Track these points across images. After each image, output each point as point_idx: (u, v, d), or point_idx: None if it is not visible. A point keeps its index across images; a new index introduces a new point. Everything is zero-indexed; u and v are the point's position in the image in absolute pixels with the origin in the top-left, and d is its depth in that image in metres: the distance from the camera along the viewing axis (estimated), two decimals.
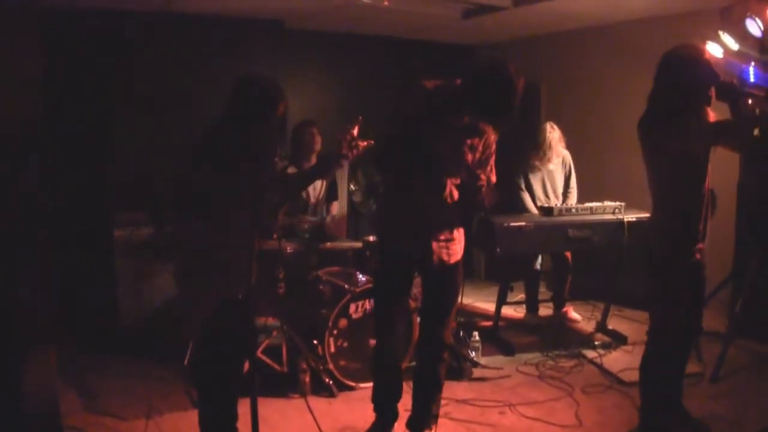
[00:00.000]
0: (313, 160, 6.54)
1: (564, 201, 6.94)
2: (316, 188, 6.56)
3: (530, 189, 6.95)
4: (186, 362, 5.49)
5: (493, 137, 4.18)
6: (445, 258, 4.29)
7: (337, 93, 8.74)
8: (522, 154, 6.99)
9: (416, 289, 5.99)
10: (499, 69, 3.80)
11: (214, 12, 7.25)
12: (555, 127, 6.87)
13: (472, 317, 7.37)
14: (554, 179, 6.98)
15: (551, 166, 6.93)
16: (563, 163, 7.01)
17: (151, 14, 7.01)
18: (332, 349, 5.22)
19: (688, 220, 4.14)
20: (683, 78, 4.03)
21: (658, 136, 4.08)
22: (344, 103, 8.70)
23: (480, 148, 4.14)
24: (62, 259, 5.83)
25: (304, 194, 6.48)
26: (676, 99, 4.03)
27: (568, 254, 6.93)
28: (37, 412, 4.12)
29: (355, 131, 3.96)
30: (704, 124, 4.03)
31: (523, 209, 6.81)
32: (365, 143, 3.99)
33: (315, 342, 5.26)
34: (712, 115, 4.08)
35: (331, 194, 6.71)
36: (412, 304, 5.48)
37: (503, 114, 3.85)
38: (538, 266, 7.26)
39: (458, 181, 4.15)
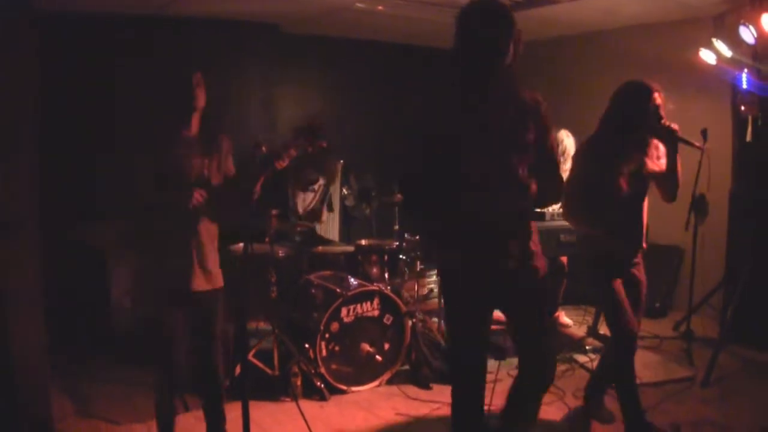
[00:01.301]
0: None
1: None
2: (306, 200, 6.56)
3: None
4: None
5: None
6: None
7: (333, 97, 8.75)
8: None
9: (407, 293, 6.02)
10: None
11: (209, 16, 7.25)
12: (570, 134, 6.78)
13: None
14: None
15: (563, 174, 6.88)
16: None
17: (146, 18, 7.00)
18: (324, 353, 5.22)
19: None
20: (621, 108, 4.19)
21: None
22: (339, 107, 8.73)
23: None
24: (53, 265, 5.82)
25: (298, 203, 6.49)
26: (609, 125, 4.21)
27: (564, 259, 6.92)
28: (30, 418, 4.13)
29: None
30: (585, 166, 4.23)
31: None
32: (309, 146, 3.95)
33: (306, 346, 5.25)
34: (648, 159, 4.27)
35: (328, 205, 6.74)
36: (403, 308, 5.50)
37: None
38: None
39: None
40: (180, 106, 3.94)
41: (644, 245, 4.52)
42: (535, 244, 3.44)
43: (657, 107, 4.13)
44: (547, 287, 3.72)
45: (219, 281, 4.10)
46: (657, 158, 4.32)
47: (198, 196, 3.80)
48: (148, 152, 3.89)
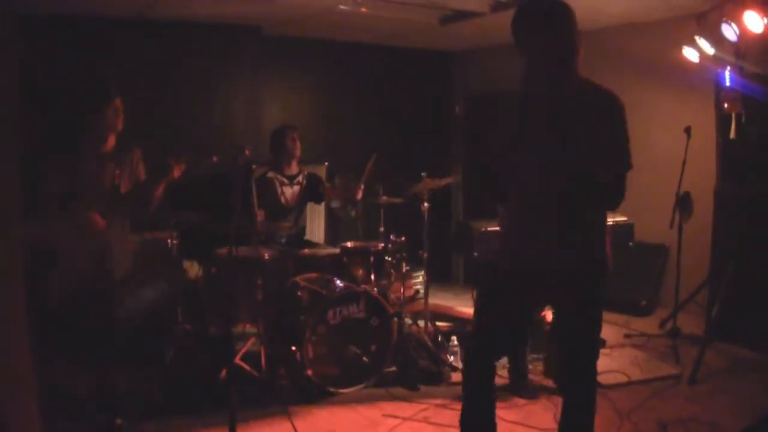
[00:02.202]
0: (294, 165, 6.55)
1: None
2: (294, 192, 6.56)
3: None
4: (165, 369, 5.46)
5: None
6: None
7: (315, 99, 8.77)
8: None
9: (393, 295, 6.01)
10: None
11: (192, 18, 7.23)
12: None
13: (450, 321, 7.37)
14: None
15: None
16: None
17: (129, 21, 6.99)
18: (311, 355, 5.20)
19: None
20: None
21: None
22: (322, 109, 8.73)
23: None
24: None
25: (282, 199, 6.48)
26: None
27: None
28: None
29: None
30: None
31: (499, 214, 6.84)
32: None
33: (293, 348, 5.23)
34: None
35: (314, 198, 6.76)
36: (390, 309, 5.49)
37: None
38: None
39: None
40: (100, 126, 4.56)
41: None
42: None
43: None
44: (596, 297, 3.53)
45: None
46: None
47: (97, 221, 4.48)
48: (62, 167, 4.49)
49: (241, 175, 4.31)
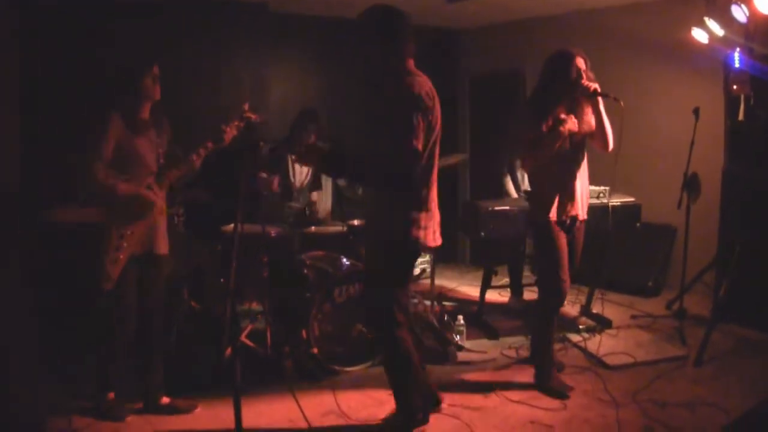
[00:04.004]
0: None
1: None
2: (302, 173, 6.54)
3: (516, 175, 6.93)
4: (169, 347, 5.47)
5: None
6: None
7: (321, 77, 8.71)
8: (511, 139, 6.99)
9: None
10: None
11: None
12: None
13: (456, 301, 7.38)
14: None
15: None
16: None
17: (130, 2, 6.94)
18: (316, 334, 5.20)
19: None
20: (549, 72, 4.82)
21: None
22: (328, 87, 8.68)
23: None
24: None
25: (291, 177, 6.46)
26: (541, 89, 4.86)
27: None
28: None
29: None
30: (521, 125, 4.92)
31: (505, 194, 6.82)
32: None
33: (299, 326, 5.24)
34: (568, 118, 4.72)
35: (315, 184, 6.69)
36: None
37: None
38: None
39: None
40: (137, 96, 4.38)
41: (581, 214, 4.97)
42: None
43: (578, 69, 4.70)
44: None
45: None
46: (586, 120, 4.86)
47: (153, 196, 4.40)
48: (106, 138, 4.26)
49: (249, 150, 4.31)
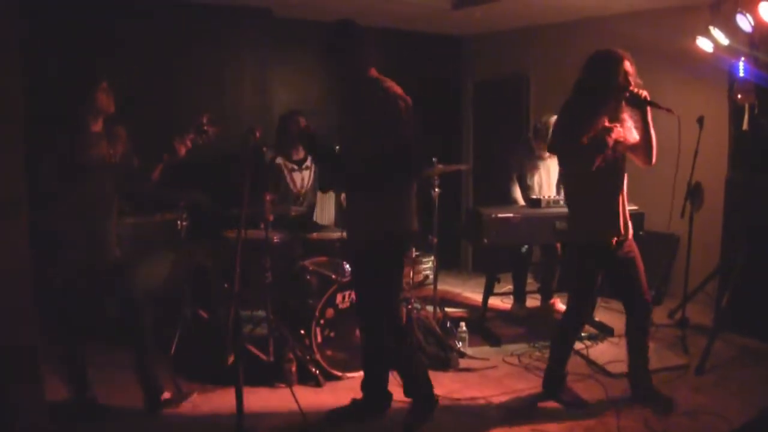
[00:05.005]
0: (300, 150, 6.51)
1: (558, 193, 6.84)
2: (304, 178, 6.54)
3: (525, 181, 6.89)
4: (172, 352, 5.47)
5: None
6: None
7: (325, 83, 8.71)
8: (518, 146, 6.99)
9: (402, 280, 5.99)
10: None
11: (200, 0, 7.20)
12: None
13: (459, 308, 7.38)
14: (551, 173, 6.89)
15: (553, 160, 6.80)
16: None
17: (137, 1, 6.94)
18: (319, 339, 5.21)
19: None
20: (593, 74, 4.42)
21: None
22: (331, 92, 8.68)
23: None
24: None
25: (291, 184, 6.46)
26: (583, 92, 4.44)
27: (558, 245, 6.90)
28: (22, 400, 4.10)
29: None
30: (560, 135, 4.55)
31: (511, 201, 6.80)
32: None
33: (302, 332, 5.25)
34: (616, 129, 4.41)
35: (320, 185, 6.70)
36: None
37: None
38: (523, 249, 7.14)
39: None
40: (93, 107, 4.51)
41: (625, 233, 4.70)
42: None
43: (627, 73, 4.32)
44: None
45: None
46: (628, 129, 4.47)
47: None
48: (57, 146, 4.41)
49: (250, 156, 4.29)
